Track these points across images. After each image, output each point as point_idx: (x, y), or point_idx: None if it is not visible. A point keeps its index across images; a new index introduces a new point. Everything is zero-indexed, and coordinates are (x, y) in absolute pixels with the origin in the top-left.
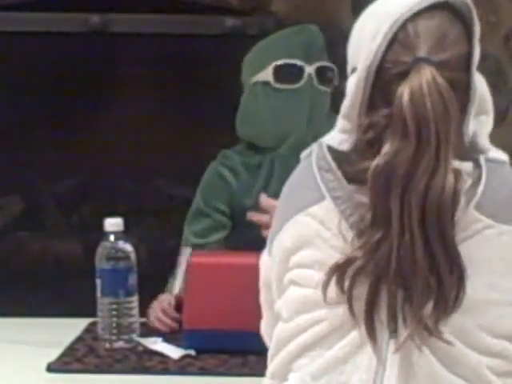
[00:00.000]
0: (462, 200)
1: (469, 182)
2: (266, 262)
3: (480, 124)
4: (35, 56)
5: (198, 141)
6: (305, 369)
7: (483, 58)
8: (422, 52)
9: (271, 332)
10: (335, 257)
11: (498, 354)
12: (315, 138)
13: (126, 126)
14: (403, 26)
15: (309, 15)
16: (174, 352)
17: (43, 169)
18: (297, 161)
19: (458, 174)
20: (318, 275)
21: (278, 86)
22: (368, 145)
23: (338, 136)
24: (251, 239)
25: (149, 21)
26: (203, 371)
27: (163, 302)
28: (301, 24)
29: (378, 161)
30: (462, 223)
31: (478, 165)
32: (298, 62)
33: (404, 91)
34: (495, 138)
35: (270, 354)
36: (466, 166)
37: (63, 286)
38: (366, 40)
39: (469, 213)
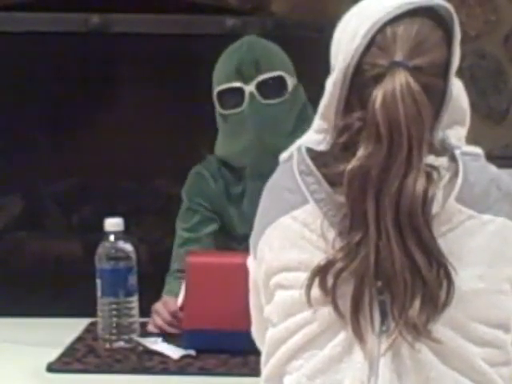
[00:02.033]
0: (441, 193)
1: (447, 175)
2: (253, 266)
3: (453, 131)
4: (35, 56)
5: (197, 141)
6: (300, 370)
7: (483, 57)
8: (398, 56)
9: (263, 336)
10: (321, 257)
11: (491, 343)
12: (276, 151)
13: (125, 126)
14: (382, 29)
15: (309, 15)
16: (174, 352)
17: (43, 169)
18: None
19: (430, 175)
20: (305, 276)
21: (224, 112)
22: (343, 148)
23: (315, 136)
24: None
25: (149, 21)
26: (203, 371)
27: (169, 304)
28: (248, 36)
29: (352, 164)
30: (444, 216)
31: (453, 159)
32: (235, 84)
33: (378, 95)
34: (495, 138)
35: (263, 358)
36: (442, 161)
37: (63, 286)
38: (345, 40)
39: (450, 205)
